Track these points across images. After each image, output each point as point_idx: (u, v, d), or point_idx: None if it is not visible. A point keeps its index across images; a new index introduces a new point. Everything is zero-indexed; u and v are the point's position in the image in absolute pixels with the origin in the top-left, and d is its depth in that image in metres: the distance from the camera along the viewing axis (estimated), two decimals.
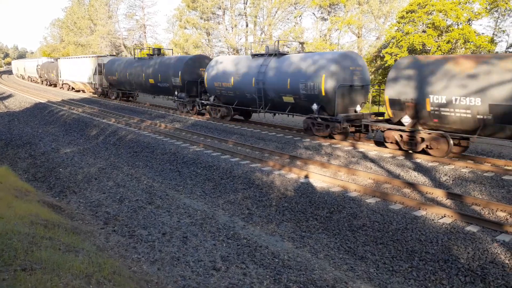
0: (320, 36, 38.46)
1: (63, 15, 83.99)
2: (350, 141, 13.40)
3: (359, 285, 5.83)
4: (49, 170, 12.52)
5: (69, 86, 38.53)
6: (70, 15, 72.07)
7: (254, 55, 16.68)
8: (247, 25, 45.47)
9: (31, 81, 54.62)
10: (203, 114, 20.09)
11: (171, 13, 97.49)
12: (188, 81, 20.22)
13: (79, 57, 35.67)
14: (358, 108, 14.00)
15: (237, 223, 7.93)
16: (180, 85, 20.58)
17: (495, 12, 26.62)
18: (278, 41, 16.24)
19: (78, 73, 34.55)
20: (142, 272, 5.84)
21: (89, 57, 33.26)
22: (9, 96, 33.50)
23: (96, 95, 31.53)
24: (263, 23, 43.27)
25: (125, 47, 58.84)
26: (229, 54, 43.82)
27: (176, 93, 21.18)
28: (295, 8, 41.33)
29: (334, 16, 37.78)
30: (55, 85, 43.56)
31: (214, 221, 7.90)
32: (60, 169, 12.29)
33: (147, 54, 25.47)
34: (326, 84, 13.21)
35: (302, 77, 13.95)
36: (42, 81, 48.17)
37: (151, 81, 23.06)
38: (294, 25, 41.76)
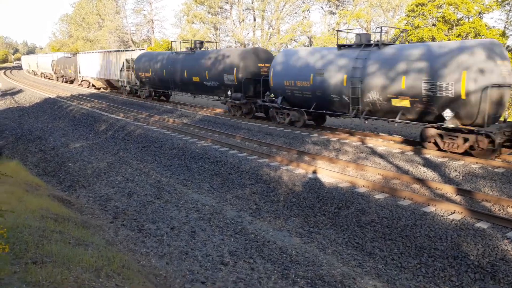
0: (329, 30, 38.19)
1: (71, 11, 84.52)
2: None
3: (367, 281, 5.81)
4: (59, 164, 12.65)
5: (89, 83, 35.99)
6: (78, 11, 72.48)
7: (342, 46, 13.44)
8: (254, 20, 45.37)
9: (45, 77, 52.41)
10: (258, 118, 17.31)
11: (179, 7, 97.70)
12: (245, 79, 16.90)
13: (102, 52, 32.49)
14: (506, 114, 11.05)
15: (245, 218, 7.95)
16: (235, 84, 17.32)
17: (506, 5, 26.19)
18: (382, 27, 12.67)
19: (101, 69, 31.51)
20: (150, 266, 5.88)
21: (115, 51, 29.94)
22: (20, 91, 33.85)
23: (123, 94, 28.53)
24: (270, 17, 43.09)
25: (133, 42, 59.02)
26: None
27: (229, 93, 17.72)
28: (303, 2, 41.10)
29: (343, 9, 37.47)
30: (72, 82, 41.46)
31: (222, 216, 7.93)
32: (70, 164, 12.41)
33: (186, 48, 22.10)
34: (468, 84, 9.96)
35: (427, 74, 10.72)
36: (57, 78, 45.85)
37: (196, 79, 19.62)
38: (302, 19, 41.54)
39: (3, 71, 69.30)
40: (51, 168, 12.60)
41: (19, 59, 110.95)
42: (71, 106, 22.80)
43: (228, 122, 16.55)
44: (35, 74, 58.49)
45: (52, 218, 5.93)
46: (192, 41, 21.97)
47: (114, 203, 8.92)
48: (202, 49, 21.22)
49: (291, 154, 11.51)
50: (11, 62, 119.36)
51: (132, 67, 26.37)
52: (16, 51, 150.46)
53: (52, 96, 27.94)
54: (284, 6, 41.82)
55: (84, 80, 36.75)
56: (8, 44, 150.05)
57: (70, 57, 42.22)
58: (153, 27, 59.18)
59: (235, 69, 17.15)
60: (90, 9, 68.65)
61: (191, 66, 20.01)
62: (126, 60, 27.35)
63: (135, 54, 26.99)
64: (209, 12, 46.36)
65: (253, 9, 44.64)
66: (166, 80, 22.46)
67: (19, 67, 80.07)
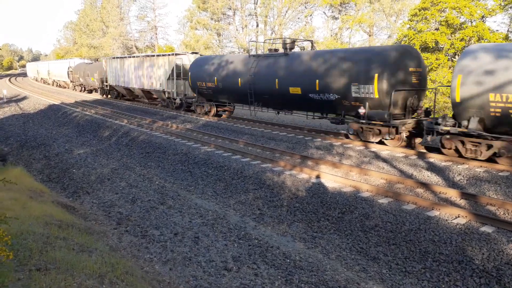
0: (331, 35, 38.28)
1: (76, 18, 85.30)
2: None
3: (371, 286, 5.78)
4: (63, 171, 12.71)
5: (119, 93, 30.74)
6: (83, 18, 73.21)
7: None
8: (257, 25, 45.55)
9: (58, 86, 46.49)
10: (401, 145, 11.97)
11: (182, 14, 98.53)
12: (396, 90, 11.68)
13: (140, 56, 27.04)
14: None
15: (248, 224, 7.94)
16: (373, 98, 12.03)
17: (509, 9, 26.14)
18: None
19: (137, 77, 26.17)
20: (154, 272, 5.88)
21: (158, 55, 24.64)
22: (24, 98, 34.09)
23: (169, 108, 23.65)
24: (273, 23, 43.28)
25: (136, 48, 59.43)
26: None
27: (361, 110, 12.34)
28: (305, 7, 41.26)
29: (345, 14, 37.56)
30: (91, 92, 36.87)
31: (226, 222, 7.92)
32: (74, 170, 12.47)
33: (269, 49, 17.04)
34: None
35: None
36: (75, 87, 40.35)
37: (295, 90, 14.39)
38: (305, 24, 41.69)
39: (8, 78, 69.88)
40: (55, 174, 12.66)
41: (24, 66, 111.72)
42: (75, 112, 22.94)
43: (231, 127, 16.56)
44: (45, 82, 52.73)
45: (56, 224, 5.95)
46: (282, 39, 16.36)
47: (118, 209, 8.94)
48: (293, 50, 15.85)
49: (294, 159, 11.50)
50: (16, 69, 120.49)
51: (186, 75, 21.20)
52: (21, 58, 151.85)
53: (56, 103, 28.13)
54: (286, 12, 42.01)
55: (112, 90, 31.52)
56: (13, 51, 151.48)
57: (91, 63, 37.31)
58: (156, 34, 59.58)
59: (376, 76, 11.82)
60: (94, 16, 69.32)
61: (286, 73, 14.85)
62: (177, 66, 22.16)
63: (187, 59, 22.38)
64: (212, 18, 46.64)
65: (256, 15, 44.88)
66: (242, 92, 16.86)
67: (24, 74, 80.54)
